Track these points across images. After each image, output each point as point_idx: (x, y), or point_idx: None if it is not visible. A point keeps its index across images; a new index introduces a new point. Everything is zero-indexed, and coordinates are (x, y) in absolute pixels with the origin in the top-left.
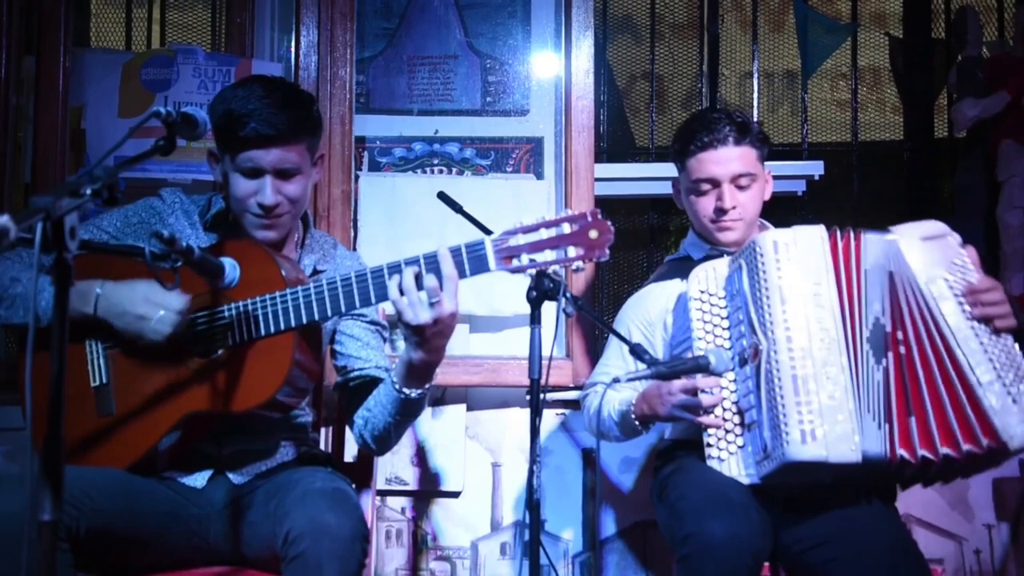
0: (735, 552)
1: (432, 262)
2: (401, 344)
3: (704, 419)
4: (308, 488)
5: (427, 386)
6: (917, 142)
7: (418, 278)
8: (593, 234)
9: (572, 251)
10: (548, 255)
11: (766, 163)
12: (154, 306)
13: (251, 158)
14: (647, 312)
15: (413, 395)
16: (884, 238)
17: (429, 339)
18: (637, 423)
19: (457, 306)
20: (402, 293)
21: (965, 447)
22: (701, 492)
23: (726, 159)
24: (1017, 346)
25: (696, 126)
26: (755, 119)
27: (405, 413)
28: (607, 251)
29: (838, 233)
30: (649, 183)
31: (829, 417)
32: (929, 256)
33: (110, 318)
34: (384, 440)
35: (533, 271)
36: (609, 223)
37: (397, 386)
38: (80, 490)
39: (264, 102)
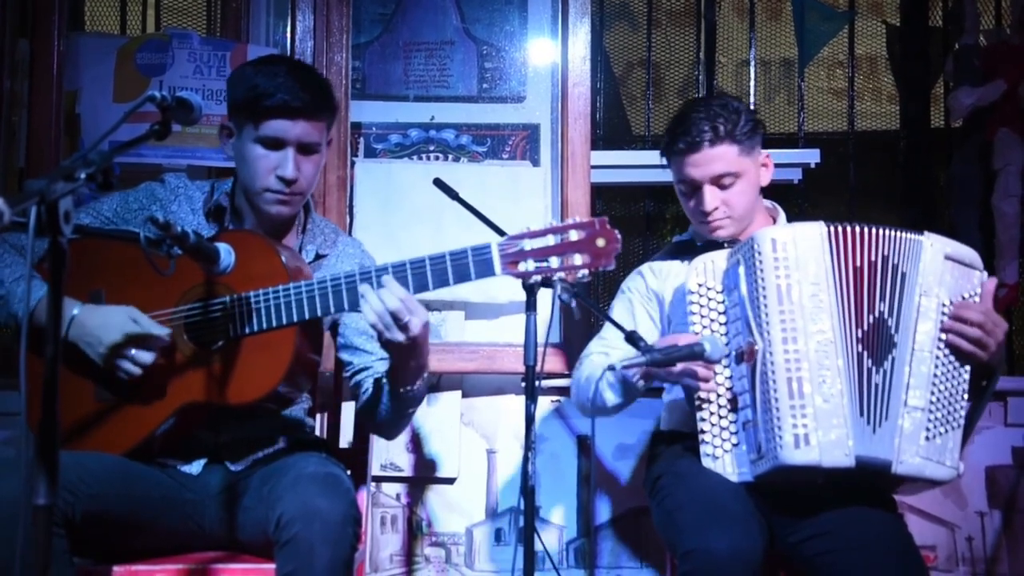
0: (738, 570)
1: (418, 266)
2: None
3: (704, 385)
4: (300, 473)
5: (419, 382)
6: (913, 131)
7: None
8: (600, 243)
9: (578, 259)
10: (554, 262)
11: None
12: (129, 340)
13: (277, 128)
14: (646, 283)
15: (409, 392)
16: (913, 237)
17: (405, 351)
18: (639, 381)
19: (425, 318)
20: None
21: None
22: (699, 503)
23: (703, 162)
24: (965, 395)
25: (676, 128)
26: (751, 106)
27: (406, 406)
28: (613, 260)
29: (838, 228)
30: (645, 171)
31: (824, 421)
32: (942, 274)
33: (80, 344)
34: (391, 430)
35: (538, 277)
36: (616, 232)
37: (390, 387)
38: (77, 475)
39: (290, 77)
